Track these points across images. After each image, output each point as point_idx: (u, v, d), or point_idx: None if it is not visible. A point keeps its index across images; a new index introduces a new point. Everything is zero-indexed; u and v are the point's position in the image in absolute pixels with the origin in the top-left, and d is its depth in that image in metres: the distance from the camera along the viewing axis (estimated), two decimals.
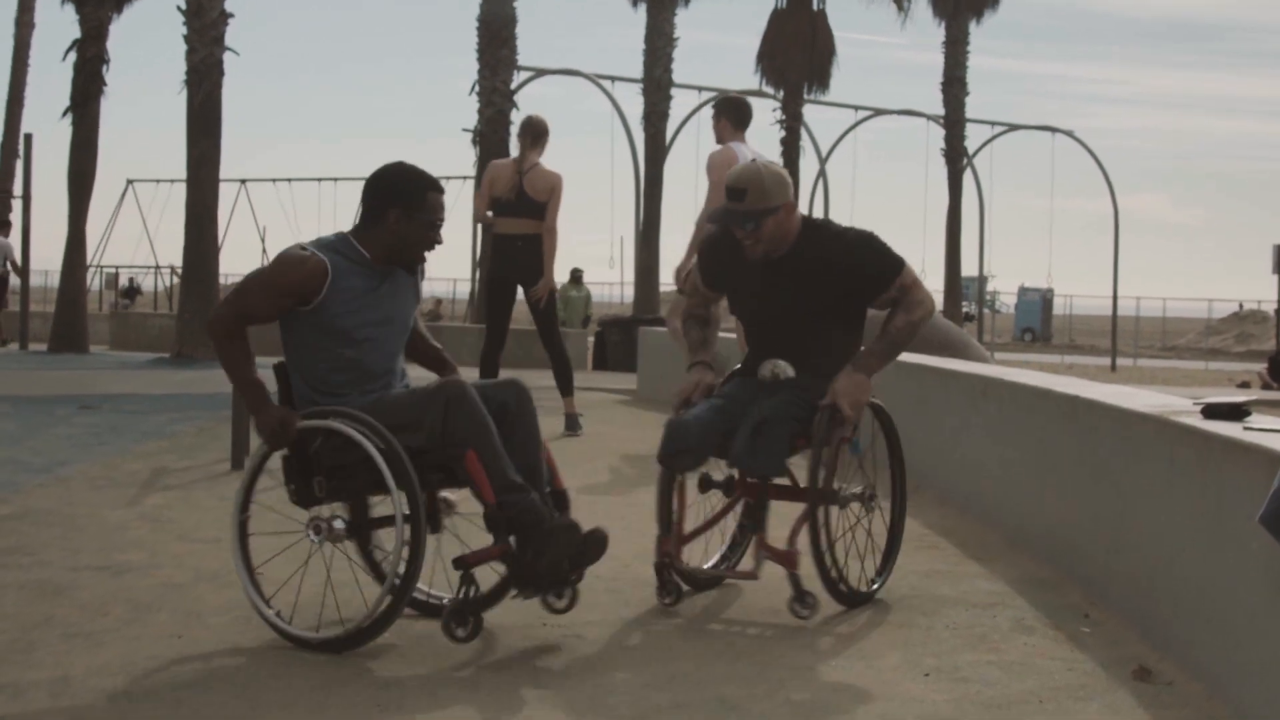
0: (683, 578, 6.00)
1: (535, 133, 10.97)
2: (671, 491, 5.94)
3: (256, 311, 5.35)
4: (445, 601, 5.46)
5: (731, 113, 10.74)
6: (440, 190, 5.48)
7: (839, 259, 5.84)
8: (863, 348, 5.93)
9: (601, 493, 8.53)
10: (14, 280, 25.27)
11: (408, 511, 5.13)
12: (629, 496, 8.48)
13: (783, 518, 5.96)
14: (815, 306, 5.87)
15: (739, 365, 6.17)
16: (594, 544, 5.38)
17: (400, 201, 5.35)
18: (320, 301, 5.29)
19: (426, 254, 5.48)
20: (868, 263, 5.86)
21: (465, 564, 5.26)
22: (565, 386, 11.15)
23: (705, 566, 6.19)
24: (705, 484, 6.06)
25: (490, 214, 11.00)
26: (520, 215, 10.85)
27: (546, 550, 5.21)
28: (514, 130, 25.74)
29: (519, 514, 5.20)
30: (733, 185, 5.87)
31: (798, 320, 5.91)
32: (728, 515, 6.18)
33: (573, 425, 11.08)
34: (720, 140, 10.67)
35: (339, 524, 5.38)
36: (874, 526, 6.13)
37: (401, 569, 5.19)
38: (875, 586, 6.05)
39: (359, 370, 5.36)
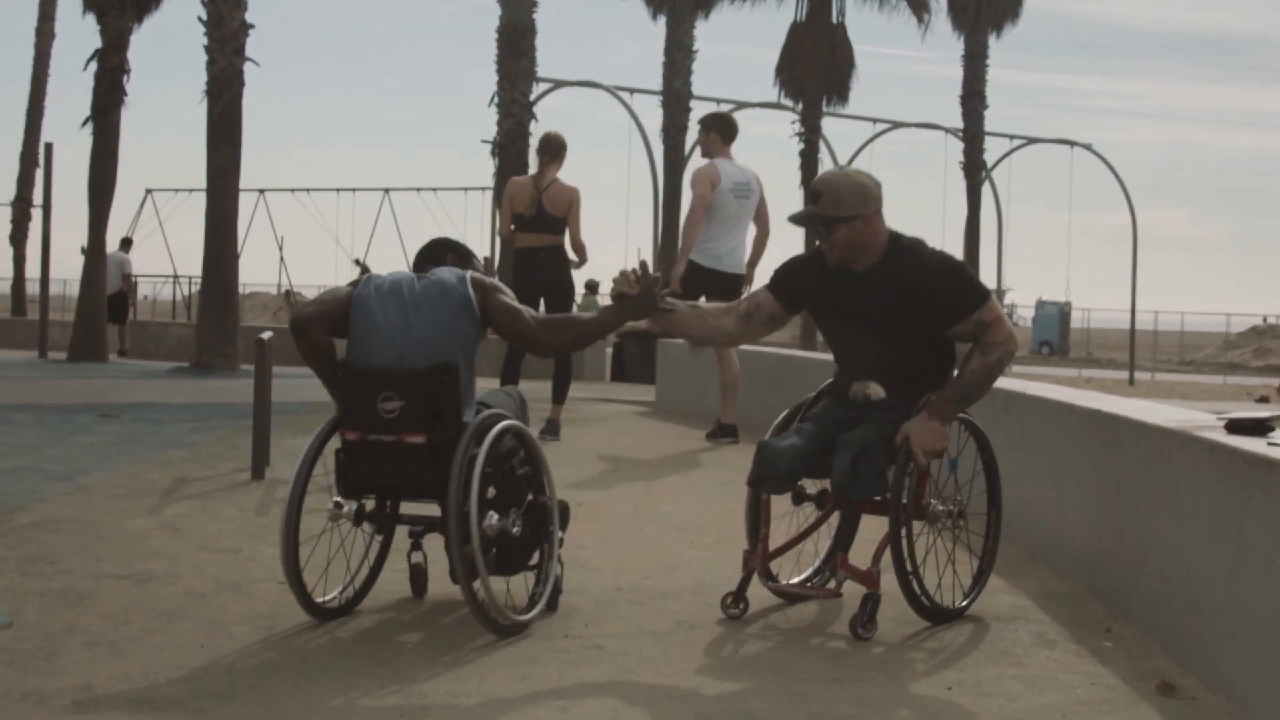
0: (773, 592, 6.09)
1: (553, 149, 11.36)
2: (759, 509, 5.97)
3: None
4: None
5: (721, 128, 11.40)
6: (484, 270, 6.16)
7: (917, 281, 5.77)
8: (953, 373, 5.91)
9: (619, 505, 8.53)
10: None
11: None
12: (647, 510, 8.48)
13: (874, 533, 5.93)
14: (895, 327, 5.82)
15: (829, 383, 6.15)
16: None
17: (454, 250, 6.13)
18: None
19: None
20: (945, 289, 5.76)
21: None
22: (560, 394, 11.32)
23: (793, 581, 6.21)
24: (798, 498, 6.10)
25: (512, 227, 11.34)
26: (540, 230, 11.29)
27: None
28: (533, 142, 25.82)
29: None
30: (812, 186, 5.92)
31: (880, 340, 5.86)
32: (819, 529, 6.25)
33: (552, 430, 11.14)
34: (708, 154, 11.27)
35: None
36: (960, 544, 6.16)
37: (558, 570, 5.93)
38: (965, 603, 6.02)
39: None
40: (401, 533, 6.11)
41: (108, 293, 25.45)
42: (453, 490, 5.46)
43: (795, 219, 6.04)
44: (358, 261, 38.93)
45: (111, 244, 25.40)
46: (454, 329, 5.75)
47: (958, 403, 5.77)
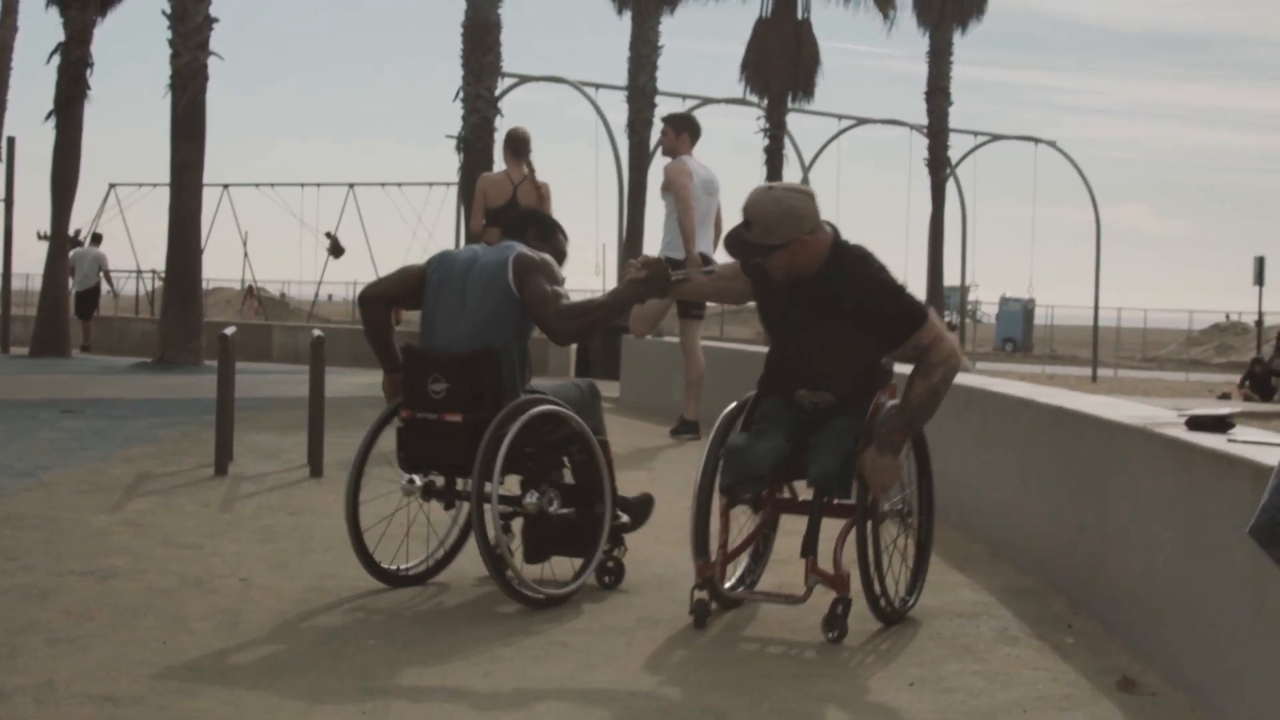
0: (721, 600, 5.95)
1: (518, 145, 11.50)
2: (709, 515, 5.80)
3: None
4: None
5: (693, 129, 11.62)
6: (567, 241, 6.54)
7: (856, 303, 5.68)
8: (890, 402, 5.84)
9: None
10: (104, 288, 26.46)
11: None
12: None
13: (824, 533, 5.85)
14: (834, 339, 5.75)
15: (762, 382, 6.02)
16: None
17: (536, 224, 6.51)
18: None
19: None
20: (882, 317, 5.67)
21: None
22: None
23: (726, 586, 6.03)
24: (733, 501, 5.85)
25: (484, 224, 11.50)
26: None
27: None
28: (498, 138, 25.79)
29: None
30: (745, 213, 5.74)
31: (819, 348, 5.80)
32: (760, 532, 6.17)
33: None
34: (672, 154, 11.51)
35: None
36: (910, 537, 6.13)
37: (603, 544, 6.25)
38: (911, 603, 5.99)
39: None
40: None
41: (82, 288, 25.36)
42: (476, 468, 5.83)
43: (730, 245, 5.88)
44: (329, 234, 39.21)
45: (83, 240, 25.37)
46: (499, 315, 6.10)
47: (906, 430, 5.69)
